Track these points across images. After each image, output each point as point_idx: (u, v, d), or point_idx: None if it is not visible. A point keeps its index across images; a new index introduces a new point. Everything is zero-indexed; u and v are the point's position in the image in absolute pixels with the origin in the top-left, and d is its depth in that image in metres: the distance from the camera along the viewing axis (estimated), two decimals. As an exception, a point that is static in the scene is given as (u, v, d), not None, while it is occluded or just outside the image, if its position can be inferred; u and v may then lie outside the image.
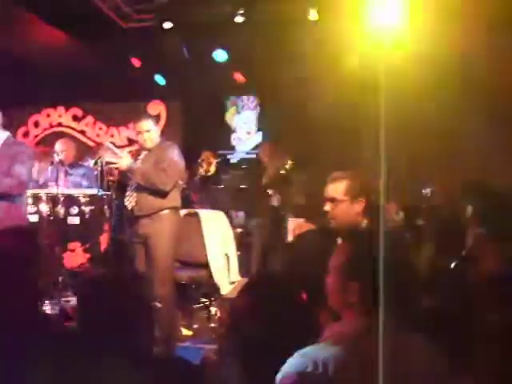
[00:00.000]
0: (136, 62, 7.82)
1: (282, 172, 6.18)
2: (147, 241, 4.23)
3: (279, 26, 6.77)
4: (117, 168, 4.32)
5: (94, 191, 4.84)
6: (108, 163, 4.38)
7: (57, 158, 5.39)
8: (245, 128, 8.70)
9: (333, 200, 2.70)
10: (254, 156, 8.22)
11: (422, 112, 6.52)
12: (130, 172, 4.25)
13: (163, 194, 4.21)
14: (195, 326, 4.98)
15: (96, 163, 4.86)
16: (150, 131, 4.32)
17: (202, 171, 6.31)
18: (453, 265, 2.97)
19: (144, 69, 7.86)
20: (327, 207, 2.72)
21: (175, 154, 4.31)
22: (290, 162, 6.22)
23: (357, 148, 7.61)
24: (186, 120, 8.70)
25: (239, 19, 6.82)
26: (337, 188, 2.72)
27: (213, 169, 6.36)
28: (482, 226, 2.97)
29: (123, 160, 4.26)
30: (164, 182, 4.16)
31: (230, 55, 7.48)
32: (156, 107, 8.68)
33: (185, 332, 4.78)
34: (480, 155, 6.56)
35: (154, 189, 4.17)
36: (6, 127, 4.03)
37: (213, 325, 4.99)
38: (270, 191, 6.46)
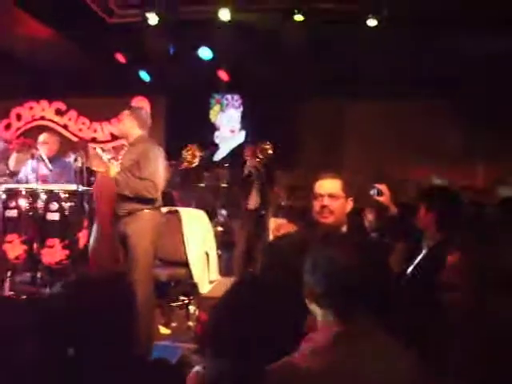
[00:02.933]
0: (121, 58, 7.78)
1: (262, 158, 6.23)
2: (127, 239, 4.22)
3: (265, 25, 6.80)
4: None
5: (74, 187, 4.79)
6: (94, 171, 4.41)
7: (39, 152, 5.37)
8: (228, 126, 8.71)
9: (331, 195, 2.74)
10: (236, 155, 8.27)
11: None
12: (115, 183, 4.25)
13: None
14: (173, 325, 4.97)
15: (76, 159, 4.84)
16: (125, 122, 4.35)
17: (185, 163, 6.29)
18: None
19: (129, 64, 7.82)
20: (326, 201, 2.73)
21: (158, 159, 4.31)
22: (269, 151, 6.25)
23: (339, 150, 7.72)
24: (170, 116, 8.70)
25: (225, 17, 6.81)
26: (335, 184, 2.77)
27: (196, 161, 6.35)
28: (441, 231, 3.04)
29: (110, 170, 4.26)
30: (151, 192, 4.18)
31: (214, 53, 7.47)
32: (140, 103, 8.64)
33: (163, 330, 4.78)
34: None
35: (141, 198, 4.19)
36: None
37: (191, 323, 4.99)
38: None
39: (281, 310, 1.75)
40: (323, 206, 2.74)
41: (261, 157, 6.26)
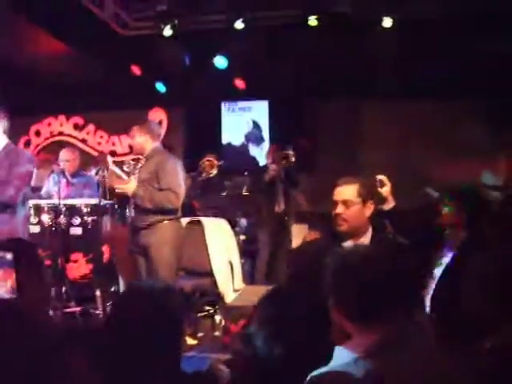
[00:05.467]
0: (136, 70, 7.81)
1: (284, 162, 6.18)
2: (148, 251, 4.23)
3: (279, 32, 6.79)
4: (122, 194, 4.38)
5: (95, 201, 4.81)
6: (114, 189, 4.45)
7: (60, 167, 5.41)
8: (243, 134, 8.70)
9: (345, 202, 2.72)
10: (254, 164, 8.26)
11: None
12: (136, 198, 4.27)
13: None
14: (200, 335, 4.94)
15: (98, 173, 4.85)
16: (136, 138, 4.36)
17: (204, 174, 6.27)
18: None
19: (144, 76, 7.85)
20: (339, 209, 2.71)
21: (176, 167, 4.32)
22: (292, 158, 6.20)
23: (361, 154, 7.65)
24: (188, 126, 8.71)
25: (239, 25, 6.82)
26: (349, 190, 2.75)
27: (215, 171, 6.33)
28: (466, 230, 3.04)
29: (129, 186, 4.31)
30: (172, 202, 4.23)
31: (230, 61, 7.47)
32: (157, 114, 8.68)
33: (189, 341, 4.74)
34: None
35: (162, 209, 4.18)
36: (6, 135, 4.07)
37: (217, 333, 4.95)
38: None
39: (311, 320, 1.72)
40: (337, 214, 2.72)
41: (283, 163, 6.21)
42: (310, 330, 1.69)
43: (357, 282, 1.63)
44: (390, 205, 3.04)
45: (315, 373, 1.51)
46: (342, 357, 1.56)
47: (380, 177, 3.08)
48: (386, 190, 3.04)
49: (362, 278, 1.63)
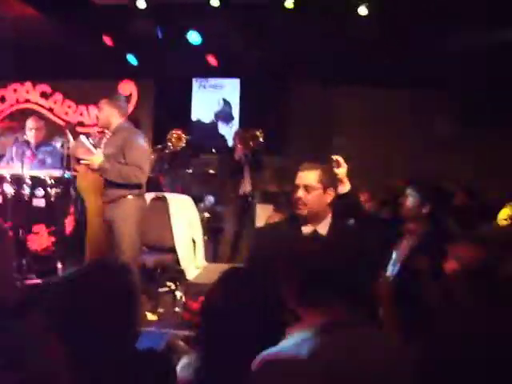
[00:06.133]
0: (108, 40, 7.68)
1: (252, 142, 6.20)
2: (112, 225, 4.24)
3: (255, 11, 6.76)
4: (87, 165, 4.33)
5: (59, 173, 4.76)
6: (79, 159, 4.39)
7: (26, 137, 5.32)
8: (213, 111, 8.68)
9: (306, 187, 2.74)
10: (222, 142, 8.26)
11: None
12: (101, 171, 4.25)
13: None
14: (160, 311, 4.98)
15: (63, 145, 4.80)
16: (104, 111, 4.33)
17: (171, 147, 6.22)
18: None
19: (116, 48, 7.72)
20: (300, 193, 2.74)
21: (143, 144, 4.34)
22: (260, 139, 6.22)
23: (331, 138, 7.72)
24: (158, 101, 8.63)
25: (215, 2, 6.75)
26: (311, 176, 2.76)
27: (182, 144, 6.28)
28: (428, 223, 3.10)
29: (95, 159, 4.26)
30: (139, 177, 4.24)
31: (203, 38, 7.40)
32: (127, 87, 8.56)
33: (150, 317, 4.78)
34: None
35: (129, 183, 4.19)
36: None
37: (178, 309, 5.00)
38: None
39: (266, 302, 1.78)
40: (297, 198, 2.76)
41: (251, 144, 6.22)
42: (261, 311, 1.74)
43: (305, 268, 1.71)
44: (345, 188, 2.96)
45: (264, 353, 1.57)
46: (292, 337, 1.63)
47: (336, 157, 3.00)
48: (341, 172, 2.96)
49: (310, 265, 1.71)
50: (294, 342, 1.60)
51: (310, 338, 1.58)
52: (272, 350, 1.58)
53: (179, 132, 6.17)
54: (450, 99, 7.23)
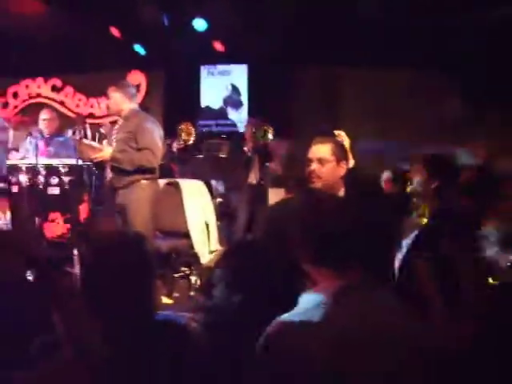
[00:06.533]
0: (115, 32, 7.73)
1: (262, 140, 6.23)
2: (125, 211, 4.29)
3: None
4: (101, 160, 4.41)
5: (73, 161, 4.84)
6: (92, 160, 4.48)
7: (37, 128, 5.41)
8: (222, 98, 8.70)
9: (320, 160, 2.74)
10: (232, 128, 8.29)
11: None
12: (115, 161, 4.31)
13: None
14: (175, 295, 5.04)
15: (75, 133, 4.88)
16: (112, 97, 4.39)
17: (181, 141, 6.30)
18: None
19: (124, 39, 7.78)
20: (314, 166, 2.74)
21: (154, 128, 4.37)
22: (270, 131, 6.26)
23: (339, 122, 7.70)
24: (167, 89, 8.67)
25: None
26: (324, 149, 2.77)
27: (192, 138, 6.35)
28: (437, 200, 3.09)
29: (105, 152, 4.34)
30: (151, 161, 4.29)
31: (209, 24, 7.42)
32: (136, 77, 8.62)
33: (165, 300, 4.85)
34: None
35: (140, 169, 4.25)
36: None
37: (193, 293, 5.06)
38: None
39: (276, 272, 1.80)
40: (311, 171, 2.76)
41: (261, 138, 6.26)
42: (273, 279, 1.76)
43: (320, 229, 1.69)
44: (350, 163, 2.98)
45: (278, 318, 1.58)
46: (306, 302, 1.63)
47: (339, 132, 3.04)
48: (345, 146, 2.98)
49: (331, 226, 1.69)
50: (307, 306, 1.60)
51: (323, 303, 1.59)
52: (286, 315, 1.59)
53: (188, 126, 6.24)
54: (459, 80, 7.16)
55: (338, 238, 1.67)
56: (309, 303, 1.61)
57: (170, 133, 6.31)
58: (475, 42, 6.40)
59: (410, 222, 3.22)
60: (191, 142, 6.39)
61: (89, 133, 4.66)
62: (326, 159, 2.76)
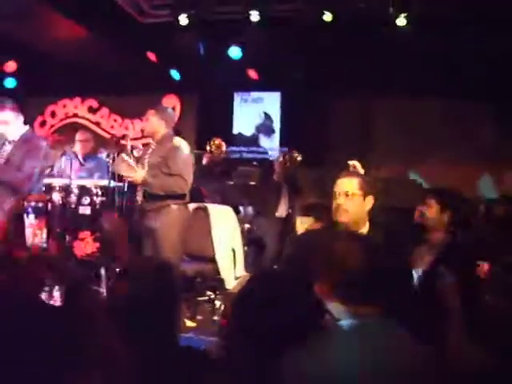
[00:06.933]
0: (152, 57, 7.92)
1: (290, 166, 6.25)
2: (154, 234, 4.34)
3: (294, 25, 6.85)
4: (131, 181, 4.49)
5: (105, 182, 4.94)
6: (123, 177, 4.56)
7: (74, 148, 5.56)
8: (255, 125, 8.78)
9: (347, 194, 2.78)
10: (263, 155, 8.36)
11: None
12: (145, 185, 4.38)
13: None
14: (199, 318, 5.06)
15: (108, 156, 4.99)
16: (151, 121, 4.47)
17: (211, 154, 6.33)
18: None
19: (160, 63, 7.95)
20: (341, 200, 2.78)
21: (186, 154, 4.44)
22: (298, 159, 6.28)
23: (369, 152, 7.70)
24: (200, 115, 8.80)
25: (255, 17, 6.89)
26: (352, 183, 2.82)
27: (222, 152, 6.38)
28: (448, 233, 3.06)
29: (137, 175, 4.40)
30: (182, 187, 4.35)
31: (244, 52, 7.54)
32: (171, 101, 8.77)
33: (188, 323, 4.87)
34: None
35: (171, 194, 4.31)
36: (26, 122, 4.22)
37: (216, 318, 5.07)
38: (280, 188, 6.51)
39: (296, 303, 1.80)
40: (338, 205, 2.79)
41: (289, 165, 6.28)
42: (294, 310, 1.77)
43: (341, 267, 1.73)
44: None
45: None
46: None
47: (353, 162, 3.09)
48: None
49: (346, 264, 1.73)
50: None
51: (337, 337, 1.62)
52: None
53: (219, 140, 6.29)
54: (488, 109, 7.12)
55: (358, 277, 1.71)
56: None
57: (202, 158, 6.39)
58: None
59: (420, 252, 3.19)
60: (220, 155, 6.40)
61: (135, 153, 4.73)
62: (353, 193, 2.79)
